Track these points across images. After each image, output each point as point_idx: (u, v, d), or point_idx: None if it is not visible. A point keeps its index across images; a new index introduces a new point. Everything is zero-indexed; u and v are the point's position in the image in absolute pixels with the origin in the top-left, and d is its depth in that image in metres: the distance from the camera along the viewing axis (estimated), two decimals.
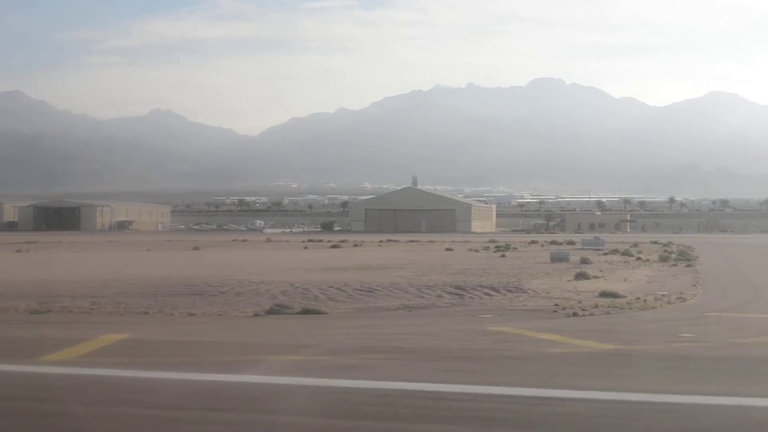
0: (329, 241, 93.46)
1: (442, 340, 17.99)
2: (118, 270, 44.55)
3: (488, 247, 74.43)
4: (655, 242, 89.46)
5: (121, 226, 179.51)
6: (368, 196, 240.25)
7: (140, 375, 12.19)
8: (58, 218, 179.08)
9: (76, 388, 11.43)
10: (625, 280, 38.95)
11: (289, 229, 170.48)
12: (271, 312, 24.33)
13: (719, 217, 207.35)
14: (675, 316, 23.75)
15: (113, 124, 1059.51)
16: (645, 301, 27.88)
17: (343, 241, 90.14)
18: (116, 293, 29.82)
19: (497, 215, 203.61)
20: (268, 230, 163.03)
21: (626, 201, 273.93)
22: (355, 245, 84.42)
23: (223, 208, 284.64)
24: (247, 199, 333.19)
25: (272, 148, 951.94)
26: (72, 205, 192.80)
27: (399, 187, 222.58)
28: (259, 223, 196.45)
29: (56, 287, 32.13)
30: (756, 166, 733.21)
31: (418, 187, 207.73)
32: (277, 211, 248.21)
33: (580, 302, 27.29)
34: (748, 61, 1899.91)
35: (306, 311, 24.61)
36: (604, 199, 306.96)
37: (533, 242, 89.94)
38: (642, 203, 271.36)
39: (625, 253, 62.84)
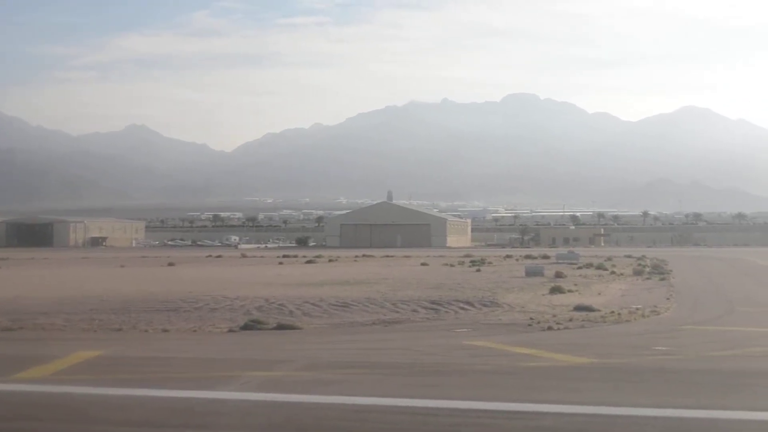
0: (304, 256, 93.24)
1: (417, 355, 17.94)
2: (91, 286, 44.18)
3: (463, 262, 74.50)
4: (629, 256, 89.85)
5: (95, 242, 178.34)
6: (343, 211, 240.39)
7: (114, 392, 12.09)
8: (31, 235, 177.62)
9: (48, 406, 11.32)
10: (599, 293, 39.07)
11: (263, 245, 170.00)
12: (245, 327, 24.17)
13: (692, 230, 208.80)
14: (649, 330, 23.83)
15: (88, 140, 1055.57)
16: (619, 314, 27.96)
17: (318, 257, 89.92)
18: (89, 310, 29.54)
19: (472, 230, 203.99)
20: (243, 246, 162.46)
21: (600, 215, 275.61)
22: (330, 260, 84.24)
23: (198, 223, 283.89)
24: (222, 214, 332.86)
25: (247, 163, 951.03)
26: (45, 222, 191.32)
27: (374, 202, 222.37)
28: (234, 238, 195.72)
29: (29, 304, 31.80)
30: (728, 179, 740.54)
31: (393, 201, 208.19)
32: (251, 227, 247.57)
33: (554, 316, 27.34)
34: (719, 76, 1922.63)
35: (281, 327, 24.47)
36: (578, 214, 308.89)
37: (508, 257, 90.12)
38: (616, 217, 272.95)
39: (600, 267, 63.06)
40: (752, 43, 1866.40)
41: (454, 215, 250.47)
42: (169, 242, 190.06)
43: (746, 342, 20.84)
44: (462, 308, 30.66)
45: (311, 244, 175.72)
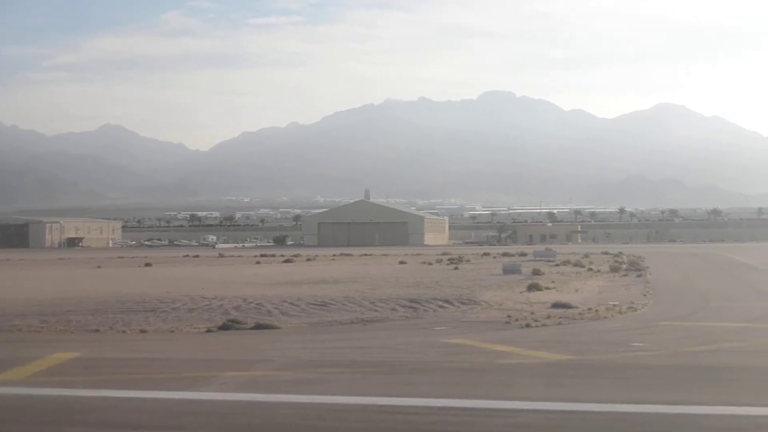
0: (282, 255, 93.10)
1: (396, 353, 17.97)
2: (67, 288, 43.92)
3: (441, 260, 74.62)
4: (606, 253, 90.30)
5: (71, 243, 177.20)
6: (321, 210, 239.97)
7: (92, 394, 12.03)
8: (6, 236, 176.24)
9: (25, 408, 11.24)
10: (576, 290, 39.27)
11: (241, 244, 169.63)
12: (223, 327, 24.12)
13: (668, 227, 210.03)
14: (626, 326, 23.98)
15: (62, 140, 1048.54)
16: (597, 311, 28.12)
17: (296, 256, 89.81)
18: (66, 311, 29.37)
19: (450, 228, 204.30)
20: (221, 245, 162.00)
21: (577, 212, 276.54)
22: (308, 259, 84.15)
23: (175, 223, 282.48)
24: (199, 214, 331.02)
25: (224, 162, 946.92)
26: (20, 222, 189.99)
27: (351, 201, 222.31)
28: (212, 238, 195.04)
29: (4, 306, 31.57)
30: (703, 176, 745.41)
31: (371, 200, 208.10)
32: (229, 226, 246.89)
33: (532, 313, 27.46)
34: (695, 74, 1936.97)
35: (259, 326, 24.44)
36: (555, 211, 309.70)
37: (486, 254, 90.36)
38: (593, 214, 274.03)
39: (577, 264, 63.38)
40: (727, 41, 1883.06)
41: (432, 213, 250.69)
42: (146, 242, 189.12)
43: (721, 337, 21.02)
44: (440, 306, 30.73)
45: (289, 243, 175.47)
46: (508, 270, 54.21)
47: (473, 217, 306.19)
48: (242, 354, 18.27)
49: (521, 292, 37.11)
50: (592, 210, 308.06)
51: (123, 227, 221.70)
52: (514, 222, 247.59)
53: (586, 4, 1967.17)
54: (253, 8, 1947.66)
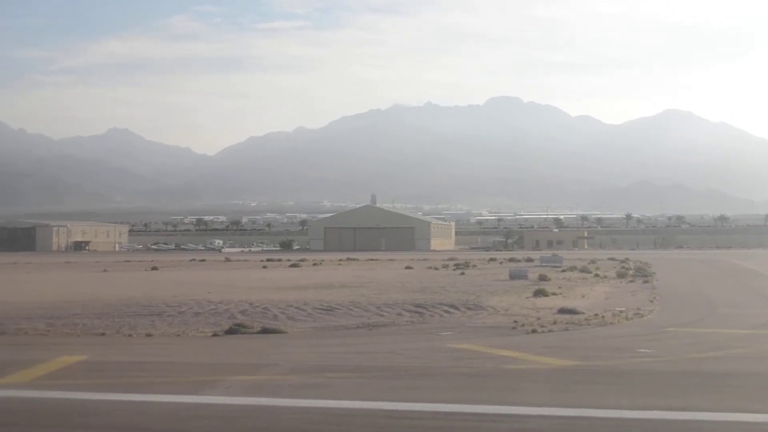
0: (288, 260, 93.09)
1: (402, 358, 17.97)
2: (74, 291, 43.95)
3: (448, 265, 74.52)
4: (613, 259, 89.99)
5: (78, 246, 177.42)
6: (327, 215, 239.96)
7: (98, 397, 12.04)
8: (13, 239, 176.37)
9: (30, 411, 11.26)
10: (583, 296, 39.15)
11: (248, 249, 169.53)
12: (230, 332, 24.12)
13: (675, 233, 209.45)
14: (633, 332, 23.92)
15: (69, 143, 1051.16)
16: (603, 317, 28.05)
17: (302, 260, 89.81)
18: (73, 314, 29.39)
19: (456, 233, 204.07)
20: (227, 249, 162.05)
21: (583, 218, 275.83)
22: (314, 264, 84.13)
23: (181, 227, 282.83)
24: (206, 218, 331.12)
25: (230, 166, 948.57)
26: (27, 226, 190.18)
27: (358, 205, 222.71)
28: (218, 242, 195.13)
29: (11, 309, 31.60)
30: (709, 182, 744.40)
31: (377, 205, 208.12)
32: (235, 230, 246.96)
33: (539, 319, 27.40)
34: (701, 79, 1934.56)
35: (265, 330, 24.45)
36: (561, 216, 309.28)
37: (492, 260, 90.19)
38: (599, 220, 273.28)
39: (583, 270, 63.18)
40: (733, 46, 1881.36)
41: (438, 218, 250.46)
42: (153, 246, 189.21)
43: (727, 344, 20.97)
44: (446, 311, 30.67)
45: (295, 247, 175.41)
46: (515, 275, 54.10)
47: (480, 222, 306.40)
48: (248, 358, 18.28)
49: (527, 298, 37.03)
50: (599, 216, 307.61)
51: (130, 231, 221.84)
52: (521, 227, 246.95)
53: (591, 10, 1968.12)
54: (259, 13, 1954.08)
